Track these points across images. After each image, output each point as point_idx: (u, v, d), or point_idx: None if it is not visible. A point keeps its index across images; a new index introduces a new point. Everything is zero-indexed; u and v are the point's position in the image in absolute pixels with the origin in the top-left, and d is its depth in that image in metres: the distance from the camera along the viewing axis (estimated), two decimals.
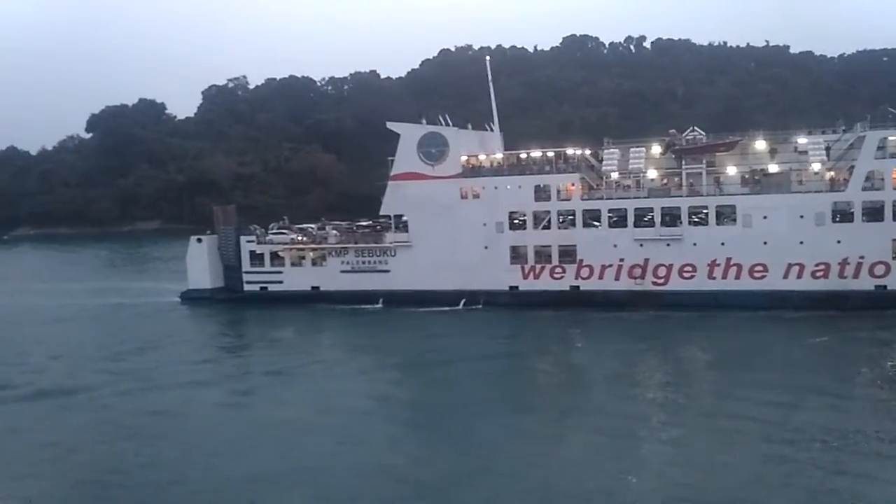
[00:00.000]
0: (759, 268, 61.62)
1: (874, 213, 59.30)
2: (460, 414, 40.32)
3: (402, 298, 69.27)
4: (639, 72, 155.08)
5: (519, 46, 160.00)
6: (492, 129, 77.39)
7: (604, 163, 68.22)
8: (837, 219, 59.99)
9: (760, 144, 65.62)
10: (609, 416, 38.72)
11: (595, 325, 61.01)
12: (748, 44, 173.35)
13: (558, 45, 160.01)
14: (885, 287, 59.13)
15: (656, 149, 67.81)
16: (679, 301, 62.41)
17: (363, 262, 72.20)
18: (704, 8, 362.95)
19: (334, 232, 75.32)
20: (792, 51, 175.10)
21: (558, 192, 66.75)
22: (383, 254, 71.48)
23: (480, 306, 67.41)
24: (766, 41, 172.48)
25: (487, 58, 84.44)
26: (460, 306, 67.79)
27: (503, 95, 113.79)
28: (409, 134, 70.83)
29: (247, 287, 75.70)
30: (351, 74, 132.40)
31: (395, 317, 67.56)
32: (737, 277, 62.25)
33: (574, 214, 66.13)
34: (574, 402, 42.58)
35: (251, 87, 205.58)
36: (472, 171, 70.52)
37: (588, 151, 72.16)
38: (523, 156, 71.12)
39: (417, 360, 53.73)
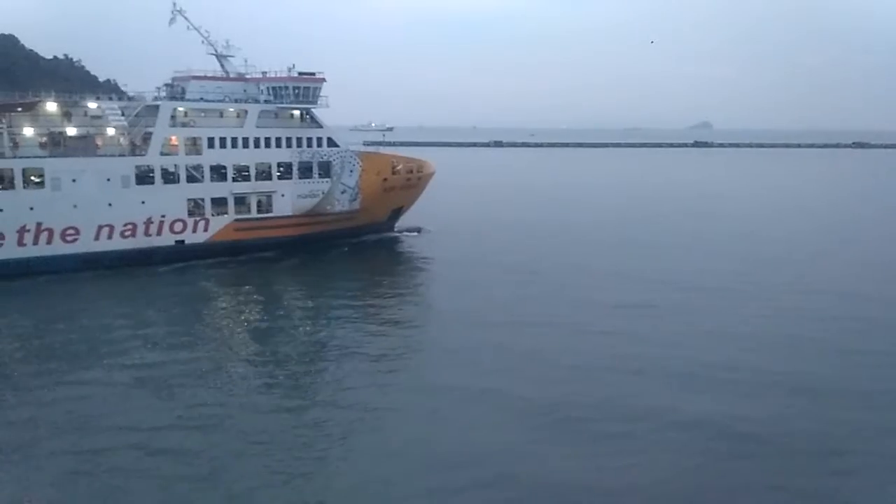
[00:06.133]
0: (72, 231, 61.72)
1: (171, 175, 66.44)
2: None
3: None
4: None
5: None
6: None
7: None
8: (141, 181, 64.94)
9: (52, 107, 64.78)
10: None
11: None
12: None
13: None
14: (183, 241, 67.28)
15: None
16: None
17: None
18: None
19: None
20: None
21: None
22: None
23: None
24: None
25: None
26: None
27: None
28: None
29: None
30: None
31: None
32: (49, 242, 60.88)
33: None
34: None
35: None
36: None
37: None
38: None
39: None
